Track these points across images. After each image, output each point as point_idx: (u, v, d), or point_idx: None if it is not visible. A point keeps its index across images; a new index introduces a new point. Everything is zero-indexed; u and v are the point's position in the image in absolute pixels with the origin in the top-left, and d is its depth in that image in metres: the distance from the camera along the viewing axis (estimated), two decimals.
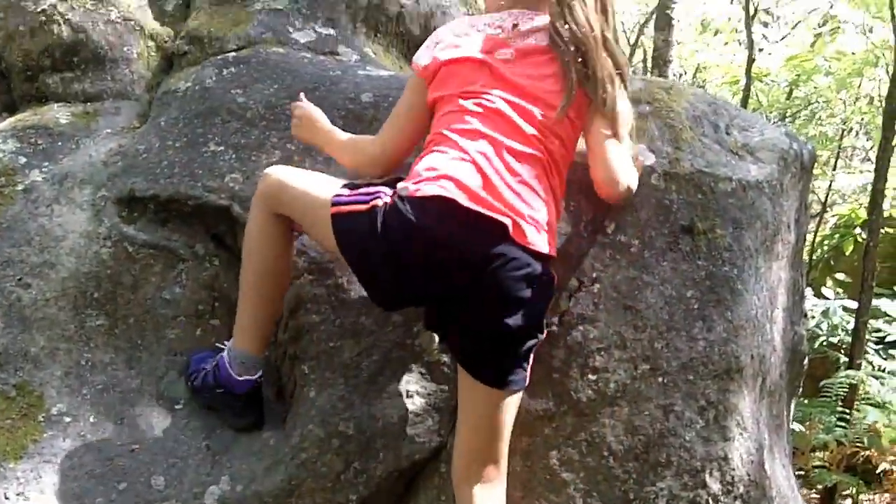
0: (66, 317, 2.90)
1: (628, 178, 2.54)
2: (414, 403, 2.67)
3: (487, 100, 2.42)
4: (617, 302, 2.70)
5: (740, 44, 11.76)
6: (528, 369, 2.46)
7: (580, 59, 2.41)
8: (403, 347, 2.70)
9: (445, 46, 2.54)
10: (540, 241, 2.38)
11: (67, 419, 2.75)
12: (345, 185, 2.51)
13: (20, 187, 3.11)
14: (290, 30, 3.42)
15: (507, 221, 2.30)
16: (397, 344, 2.71)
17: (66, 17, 3.50)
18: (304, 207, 2.56)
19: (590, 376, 2.65)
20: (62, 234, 3.00)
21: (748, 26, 8.78)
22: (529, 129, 2.41)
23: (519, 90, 2.43)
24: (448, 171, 2.33)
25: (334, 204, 2.43)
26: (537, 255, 2.37)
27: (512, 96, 2.42)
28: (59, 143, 3.27)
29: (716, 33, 12.37)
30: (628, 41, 11.55)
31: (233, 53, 3.30)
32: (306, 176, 2.67)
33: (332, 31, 3.48)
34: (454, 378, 2.59)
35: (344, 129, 2.86)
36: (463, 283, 2.32)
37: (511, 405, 2.47)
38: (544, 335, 2.49)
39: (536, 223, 2.37)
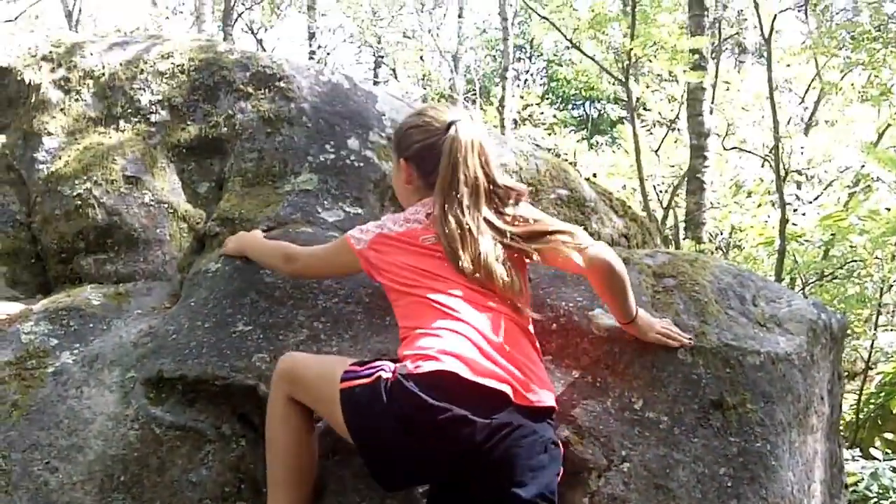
0: (92, 501, 2.86)
1: (597, 251, 2.64)
2: None
3: (442, 287, 2.58)
4: (648, 481, 2.64)
5: (773, 205, 11.81)
6: None
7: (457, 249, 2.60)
8: None
9: (378, 244, 2.75)
10: (540, 396, 2.46)
11: None
12: (353, 364, 2.57)
13: (50, 369, 3.12)
14: (319, 210, 3.48)
15: (508, 389, 2.39)
16: None
17: (101, 201, 3.59)
18: (317, 389, 2.62)
19: None
20: (90, 417, 2.99)
21: (780, 189, 8.85)
22: (486, 300, 2.57)
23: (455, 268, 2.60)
24: (445, 348, 2.41)
25: (343, 380, 2.51)
26: (542, 413, 2.46)
27: (455, 274, 2.59)
28: (91, 325, 3.31)
29: (748, 195, 12.44)
30: (661, 204, 11.64)
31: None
32: (319, 359, 2.81)
33: (359, 211, 3.54)
34: None
35: (370, 306, 3.03)
36: (470, 456, 2.34)
37: None
38: None
39: (534, 381, 2.47)
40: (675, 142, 13.20)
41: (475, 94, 22.05)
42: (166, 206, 3.70)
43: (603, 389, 2.79)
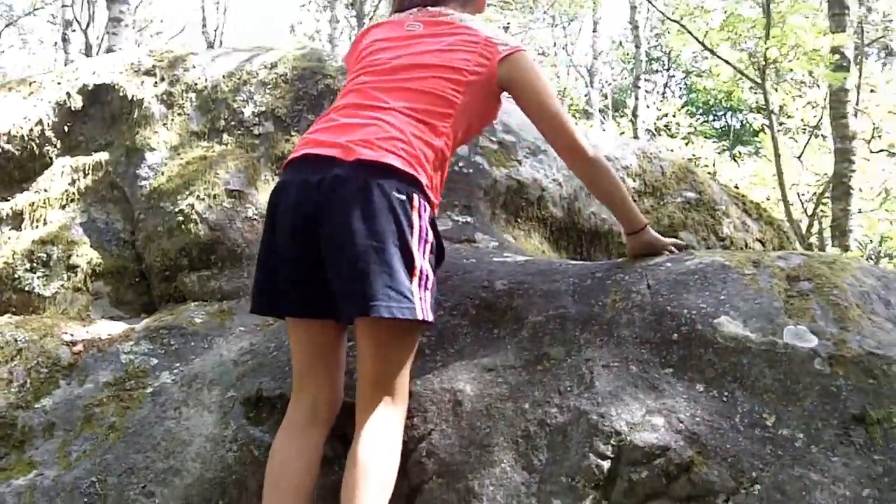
0: None
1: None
2: None
3: None
4: None
5: None
6: (414, 300, 2.47)
7: None
8: None
9: None
10: (372, 153, 2.54)
11: None
12: None
13: (149, 390, 3.10)
14: None
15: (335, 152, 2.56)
16: None
17: (204, 216, 3.57)
18: None
19: None
20: (188, 438, 2.93)
21: None
22: None
23: None
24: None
25: None
26: (368, 166, 2.52)
27: None
28: (192, 343, 3.28)
29: None
30: (805, 212, 11.17)
31: None
32: None
33: (469, 219, 3.41)
34: None
35: (477, 318, 2.89)
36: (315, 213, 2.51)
37: (390, 335, 2.55)
38: (420, 265, 2.52)
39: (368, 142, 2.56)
40: (819, 148, 12.75)
41: (609, 108, 21.83)
42: None
43: (731, 405, 2.54)
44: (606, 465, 2.50)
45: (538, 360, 2.76)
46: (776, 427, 2.49)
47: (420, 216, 2.55)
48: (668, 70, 28.61)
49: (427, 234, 2.57)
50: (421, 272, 2.52)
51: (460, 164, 3.55)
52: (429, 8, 2.93)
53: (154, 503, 2.80)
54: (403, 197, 2.51)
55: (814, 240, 10.40)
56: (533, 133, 3.83)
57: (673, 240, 3.11)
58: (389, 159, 2.52)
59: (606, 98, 23.10)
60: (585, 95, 23.75)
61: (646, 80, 18.68)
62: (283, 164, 2.71)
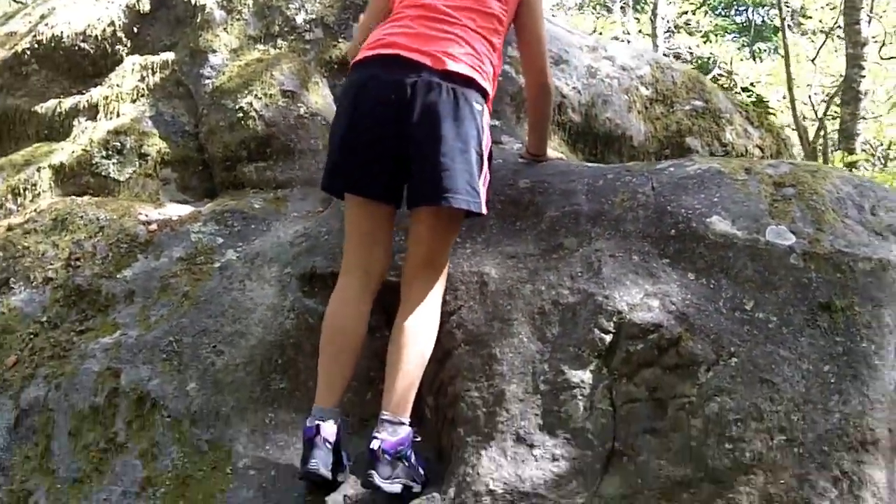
0: (252, 380, 3.19)
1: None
2: (559, 466, 2.81)
3: None
4: (753, 375, 2.79)
5: None
6: (481, 196, 2.93)
7: None
8: (550, 414, 2.88)
9: None
10: (457, 66, 2.91)
11: (252, 472, 3.02)
12: None
13: (217, 265, 3.50)
14: None
15: (425, 59, 2.90)
16: (546, 411, 2.88)
17: (261, 114, 3.93)
18: None
19: (726, 445, 2.72)
20: (252, 307, 3.33)
21: None
22: None
23: None
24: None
25: None
26: (455, 77, 2.90)
27: None
28: (252, 226, 3.67)
29: None
30: (815, 114, 11.40)
31: None
32: None
33: (496, 122, 3.74)
34: (593, 442, 2.80)
35: (502, 212, 3.26)
36: (407, 110, 2.87)
37: (449, 222, 3.01)
38: (485, 167, 2.97)
39: (452, 56, 2.93)
40: (836, 51, 12.78)
41: (628, 2, 21.57)
42: (320, 118, 4.00)
43: (716, 291, 2.94)
44: (608, 338, 2.93)
45: (554, 250, 3.17)
46: (754, 311, 2.90)
47: (487, 124, 2.97)
48: None
49: (489, 141, 3.00)
50: (486, 173, 2.96)
51: None
52: None
53: (223, 360, 3.22)
54: (480, 107, 2.93)
55: (820, 142, 10.59)
56: (557, 45, 4.15)
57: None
58: (471, 73, 2.92)
59: None
60: None
61: None
62: (362, 58, 3.01)
